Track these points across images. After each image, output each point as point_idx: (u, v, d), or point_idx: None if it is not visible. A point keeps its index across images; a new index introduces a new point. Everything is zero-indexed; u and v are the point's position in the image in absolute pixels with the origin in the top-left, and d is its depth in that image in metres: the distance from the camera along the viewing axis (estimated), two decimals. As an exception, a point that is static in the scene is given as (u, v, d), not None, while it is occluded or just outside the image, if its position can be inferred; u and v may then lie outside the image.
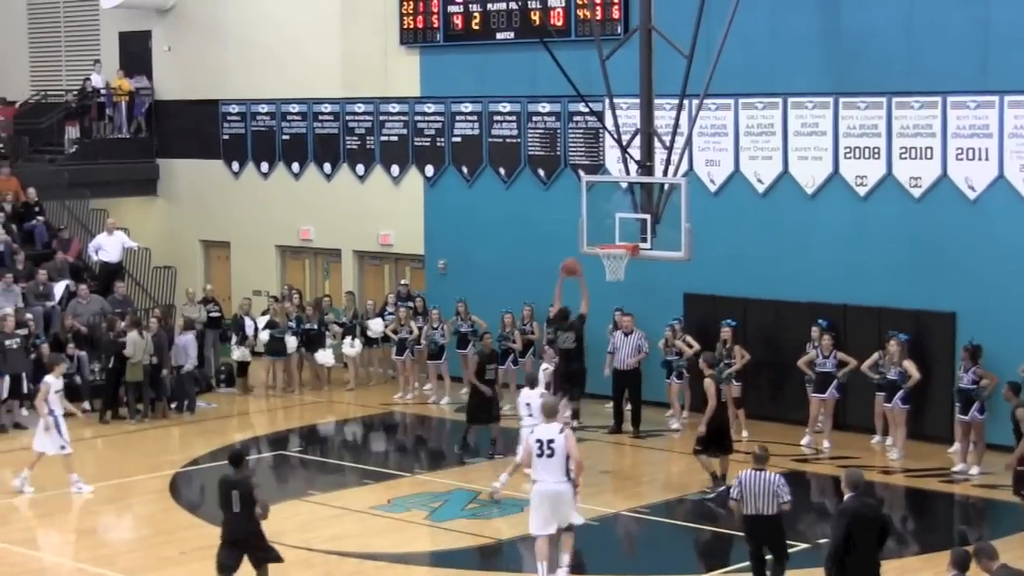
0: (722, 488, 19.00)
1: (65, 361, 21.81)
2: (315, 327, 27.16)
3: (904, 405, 21.31)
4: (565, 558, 15.99)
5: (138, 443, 23.79)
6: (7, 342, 24.32)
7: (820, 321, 22.56)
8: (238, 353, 27.03)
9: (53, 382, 20.49)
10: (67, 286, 27.26)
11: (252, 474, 15.32)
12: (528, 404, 19.04)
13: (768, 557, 15.21)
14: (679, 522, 19.01)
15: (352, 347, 27.13)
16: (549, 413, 16.18)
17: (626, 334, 23.91)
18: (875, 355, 21.75)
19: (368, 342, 27.31)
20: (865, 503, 13.75)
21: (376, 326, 26.97)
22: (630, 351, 23.75)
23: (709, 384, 19.65)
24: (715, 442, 19.68)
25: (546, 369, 21.93)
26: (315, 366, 27.43)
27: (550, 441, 15.66)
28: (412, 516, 18.97)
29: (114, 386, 25.22)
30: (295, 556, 17.26)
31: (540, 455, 15.67)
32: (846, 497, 13.59)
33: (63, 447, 20.21)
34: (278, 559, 15.09)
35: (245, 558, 14.84)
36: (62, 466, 20.25)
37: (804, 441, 22.34)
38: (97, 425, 24.83)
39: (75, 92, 32.76)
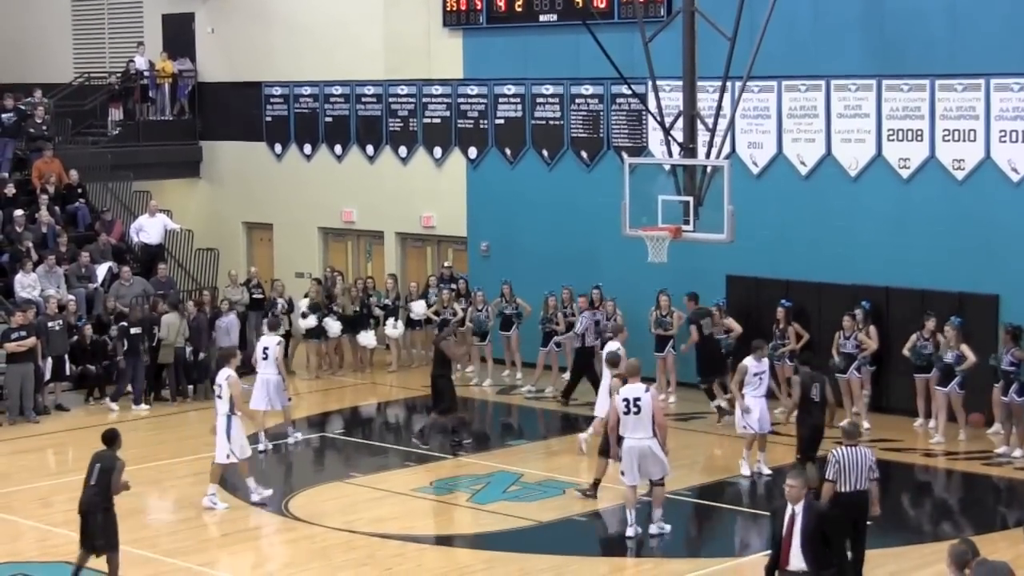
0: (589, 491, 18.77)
1: (237, 355, 19.98)
2: (357, 309, 27.20)
3: (960, 390, 21.14)
4: (658, 512, 17.08)
5: (179, 425, 23.91)
6: (50, 324, 24.49)
7: (863, 303, 22.47)
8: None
9: (233, 375, 18.80)
10: (110, 268, 27.39)
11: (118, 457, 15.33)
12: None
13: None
14: (722, 504, 18.97)
15: (395, 329, 27.18)
16: (632, 372, 17.28)
17: (583, 311, 24.51)
18: (913, 336, 21.59)
19: (410, 324, 27.34)
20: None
21: (418, 308, 27.00)
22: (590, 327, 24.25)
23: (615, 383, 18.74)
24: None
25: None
26: (358, 348, 27.49)
27: (636, 399, 16.67)
28: (454, 498, 19.02)
29: (153, 368, 25.36)
30: (337, 538, 17.35)
31: (627, 412, 16.72)
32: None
33: (228, 455, 18.63)
34: (109, 550, 15.15)
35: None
36: (219, 474, 18.92)
37: (843, 423, 22.19)
38: (137, 406, 24.94)
39: (118, 74, 32.88)
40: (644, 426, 16.75)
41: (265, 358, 21.70)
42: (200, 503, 18.72)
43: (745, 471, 19.85)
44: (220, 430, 18.56)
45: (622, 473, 17.03)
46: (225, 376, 18.68)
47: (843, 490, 14.51)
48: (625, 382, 17.37)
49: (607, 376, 19.69)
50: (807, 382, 18.56)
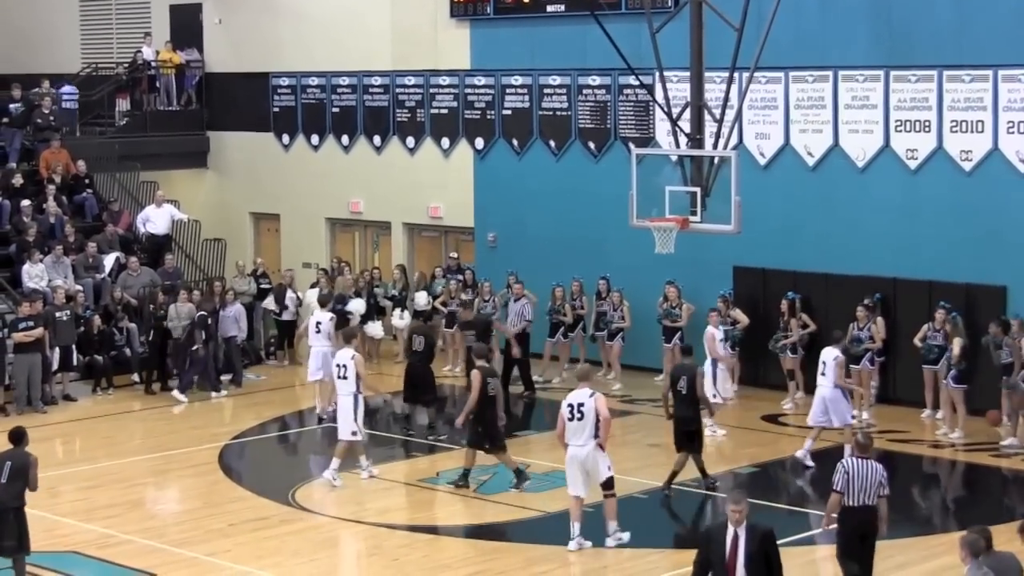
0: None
1: (359, 334, 20.83)
2: (365, 300, 27.20)
3: (957, 385, 21.08)
4: (612, 524, 16.48)
5: (187, 415, 23.95)
6: (57, 314, 24.52)
7: (876, 296, 22.46)
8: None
9: (357, 355, 19.57)
10: (117, 258, 27.41)
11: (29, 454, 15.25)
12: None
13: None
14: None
15: (401, 319, 27.17)
16: (582, 377, 16.77)
17: (515, 300, 24.69)
18: (924, 327, 21.58)
19: (416, 315, 27.34)
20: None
21: (420, 299, 26.98)
22: (517, 317, 24.62)
23: (476, 375, 18.75)
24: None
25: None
26: (365, 339, 27.47)
27: (580, 405, 16.18)
28: (461, 489, 19.00)
29: (159, 358, 25.38)
30: (346, 528, 17.38)
31: (571, 419, 16.18)
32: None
33: (355, 432, 19.22)
34: (19, 552, 15.02)
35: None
36: (346, 451, 19.29)
37: (857, 435, 22.16)
38: (145, 397, 25.01)
39: (126, 65, 32.90)
40: (586, 432, 16.16)
41: (318, 332, 22.75)
42: (205, 493, 18.78)
43: (808, 461, 19.86)
44: (346, 409, 19.06)
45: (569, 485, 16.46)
46: (350, 356, 19.24)
47: (850, 504, 13.95)
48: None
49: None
50: (676, 374, 18.63)
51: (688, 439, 18.53)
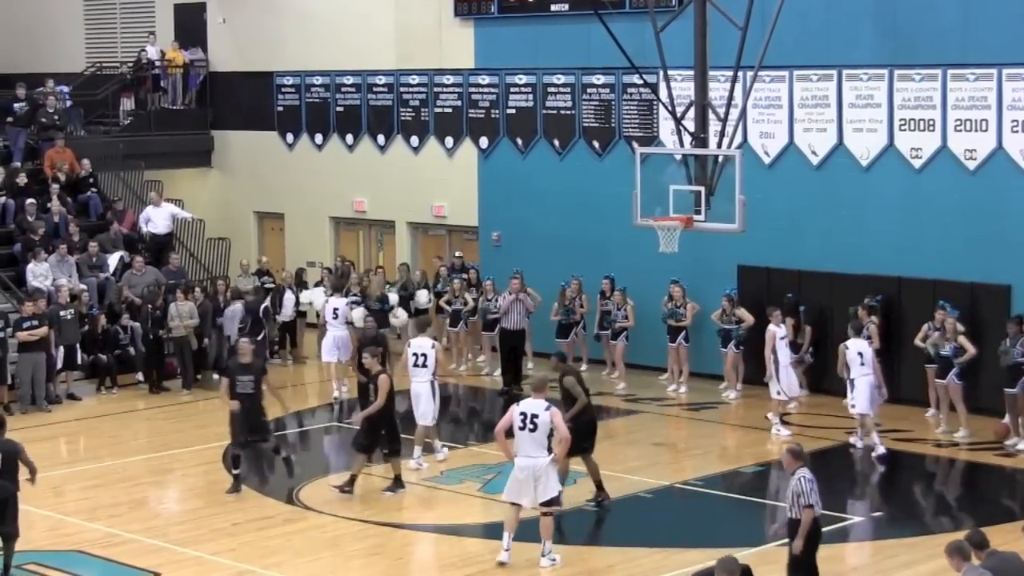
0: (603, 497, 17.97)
1: (431, 324, 21.51)
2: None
3: (959, 381, 21.06)
4: (548, 544, 15.89)
5: (190, 414, 23.96)
6: (62, 313, 24.53)
7: (878, 297, 22.49)
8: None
9: (438, 344, 20.44)
10: (121, 257, 27.42)
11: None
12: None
13: None
14: (733, 495, 18.96)
15: (395, 318, 27.00)
16: (538, 387, 16.14)
17: (515, 297, 24.69)
18: (924, 327, 21.51)
19: (417, 312, 27.24)
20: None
21: (421, 298, 26.92)
22: (520, 313, 24.69)
23: (384, 380, 18.45)
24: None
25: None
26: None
27: (534, 415, 15.63)
28: (465, 488, 19.00)
29: (158, 356, 25.44)
30: (349, 527, 17.37)
31: (523, 428, 15.64)
32: None
33: (434, 417, 19.96)
34: (14, 538, 15.34)
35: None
36: (424, 436, 19.98)
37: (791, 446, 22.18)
38: (149, 396, 25.02)
39: (130, 64, 32.90)
40: (539, 444, 15.61)
41: (335, 317, 24.43)
42: (218, 493, 18.82)
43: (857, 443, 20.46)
44: (426, 395, 19.62)
45: (505, 490, 16.01)
46: (429, 344, 19.86)
47: (819, 512, 13.76)
48: None
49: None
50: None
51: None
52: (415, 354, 19.81)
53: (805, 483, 13.57)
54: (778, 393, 21.36)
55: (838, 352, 20.68)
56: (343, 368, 24.22)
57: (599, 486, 17.87)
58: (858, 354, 20.25)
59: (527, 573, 15.78)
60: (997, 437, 20.72)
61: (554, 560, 15.85)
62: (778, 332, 21.56)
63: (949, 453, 20.54)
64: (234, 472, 18.89)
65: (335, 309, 24.60)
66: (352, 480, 18.52)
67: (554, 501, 15.84)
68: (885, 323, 22.51)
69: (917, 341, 21.62)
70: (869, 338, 21.12)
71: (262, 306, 25.81)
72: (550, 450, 15.75)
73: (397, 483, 18.70)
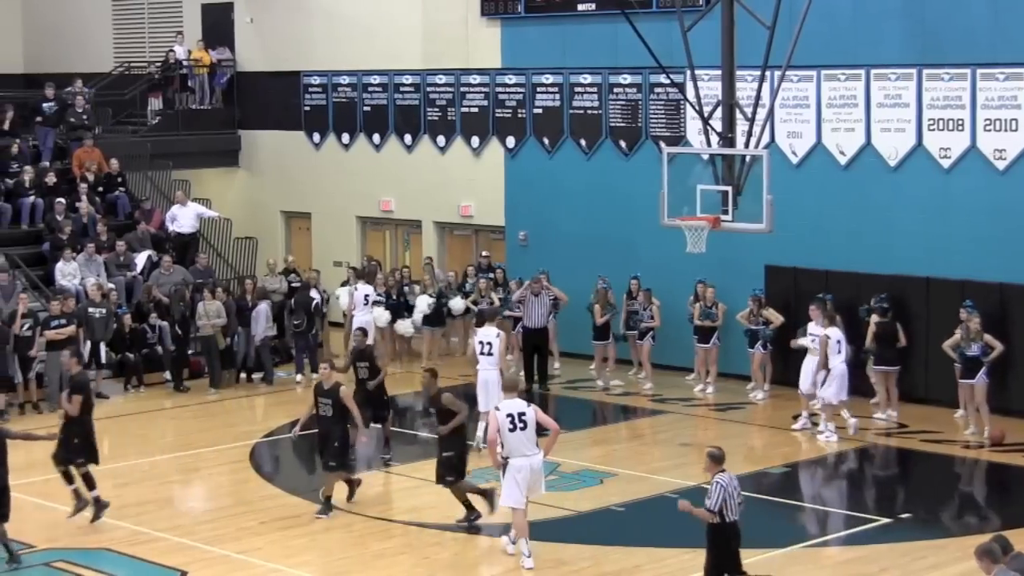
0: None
1: (497, 316, 22.01)
2: (395, 298, 27.22)
3: (987, 379, 20.91)
4: (516, 532, 16.01)
5: (217, 413, 24.01)
6: (91, 310, 24.62)
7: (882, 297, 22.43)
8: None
9: (503, 333, 20.94)
10: (149, 256, 27.50)
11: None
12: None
13: None
14: (759, 495, 18.88)
15: (404, 321, 27.00)
16: (510, 387, 16.29)
17: (535, 295, 24.60)
18: (957, 333, 21.20)
19: (449, 314, 27.25)
20: None
21: (457, 304, 26.88)
22: (543, 312, 24.68)
23: (346, 391, 18.02)
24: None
25: None
26: (395, 337, 27.50)
27: (521, 415, 15.67)
28: (491, 487, 18.95)
29: (184, 355, 25.54)
30: (375, 526, 17.38)
31: (513, 429, 15.62)
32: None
33: (498, 408, 20.50)
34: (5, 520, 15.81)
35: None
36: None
37: (877, 414, 22.16)
38: (175, 395, 25.08)
39: (158, 64, 33.00)
40: (532, 441, 15.70)
41: (365, 304, 25.87)
42: (245, 492, 18.86)
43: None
44: (495, 382, 19.68)
45: (511, 498, 15.81)
46: (495, 333, 20.32)
47: (733, 519, 13.74)
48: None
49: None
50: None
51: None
52: (481, 343, 20.30)
53: (715, 486, 13.58)
54: (822, 400, 21.38)
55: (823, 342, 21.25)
56: None
57: (469, 506, 17.41)
58: (837, 342, 20.90)
59: (552, 573, 15.75)
60: (992, 442, 20.56)
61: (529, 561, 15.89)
62: (834, 334, 21.41)
63: (976, 454, 20.42)
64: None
65: (365, 295, 25.93)
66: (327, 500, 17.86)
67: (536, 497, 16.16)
68: (903, 323, 22.30)
69: (947, 348, 21.27)
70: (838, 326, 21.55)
71: (313, 303, 26.14)
72: (537, 445, 15.85)
73: (327, 504, 17.86)
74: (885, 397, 22.09)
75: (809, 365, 21.57)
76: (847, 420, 21.31)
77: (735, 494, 13.63)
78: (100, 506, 17.51)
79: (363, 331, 21.31)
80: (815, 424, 21.51)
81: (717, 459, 13.75)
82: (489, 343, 20.31)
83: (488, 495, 17.18)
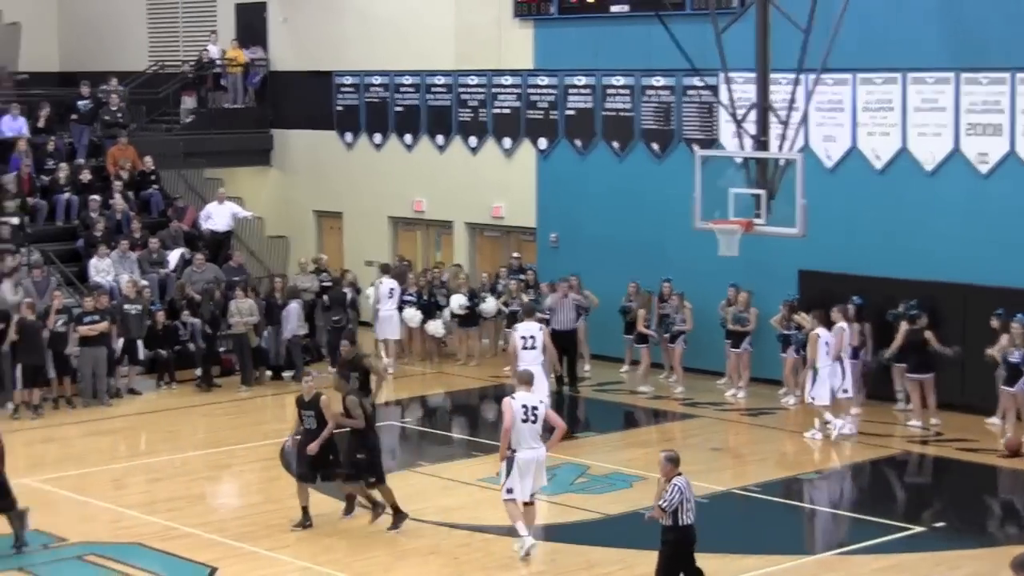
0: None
1: (536, 311, 22.37)
2: (426, 298, 27.23)
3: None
4: (531, 533, 16.23)
5: (248, 410, 24.04)
6: (125, 307, 24.70)
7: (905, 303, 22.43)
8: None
9: (824, 334, 21.31)
10: (182, 254, 27.56)
11: None
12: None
13: None
14: (791, 502, 18.82)
15: (435, 322, 27.08)
16: (525, 381, 16.43)
17: (563, 296, 24.52)
18: (1003, 339, 20.92)
19: (463, 318, 27.23)
20: None
21: (489, 306, 26.84)
22: (570, 314, 24.53)
23: (326, 400, 17.50)
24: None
25: None
26: (425, 337, 27.49)
27: (534, 408, 16.01)
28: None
29: (213, 353, 25.62)
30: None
31: (525, 420, 15.94)
32: None
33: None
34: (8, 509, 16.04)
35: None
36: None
37: (911, 422, 22.03)
38: (207, 392, 25.11)
39: (192, 63, 33.08)
40: (539, 436, 16.08)
41: (391, 297, 26.53)
42: (275, 489, 18.88)
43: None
44: (539, 376, 19.51)
45: (509, 490, 16.03)
46: (538, 327, 20.93)
47: (688, 522, 13.89)
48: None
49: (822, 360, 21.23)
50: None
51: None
52: (523, 337, 20.59)
53: (673, 487, 13.77)
54: (812, 399, 21.43)
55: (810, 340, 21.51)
56: (396, 346, 26.47)
57: (396, 508, 17.25)
58: (825, 343, 21.14)
59: (578, 571, 15.71)
60: (1009, 451, 20.39)
61: (532, 550, 16.11)
62: (822, 335, 21.44)
63: (1013, 464, 20.25)
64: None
65: (391, 289, 26.51)
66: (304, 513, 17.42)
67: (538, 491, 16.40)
68: (938, 329, 22.16)
69: (994, 353, 21.07)
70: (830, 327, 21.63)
71: (348, 297, 26.61)
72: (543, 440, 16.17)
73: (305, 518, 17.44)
74: (919, 405, 21.95)
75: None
76: (833, 422, 21.35)
77: (691, 498, 13.88)
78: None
79: (351, 340, 20.34)
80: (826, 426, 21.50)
81: (674, 462, 14.00)
82: (532, 336, 20.69)
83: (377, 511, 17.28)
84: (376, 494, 17.34)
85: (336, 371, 19.76)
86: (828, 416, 21.34)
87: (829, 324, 21.65)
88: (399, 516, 17.22)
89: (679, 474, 13.89)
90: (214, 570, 15.90)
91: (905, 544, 16.74)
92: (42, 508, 17.94)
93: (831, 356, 21.42)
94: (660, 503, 13.82)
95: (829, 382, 21.27)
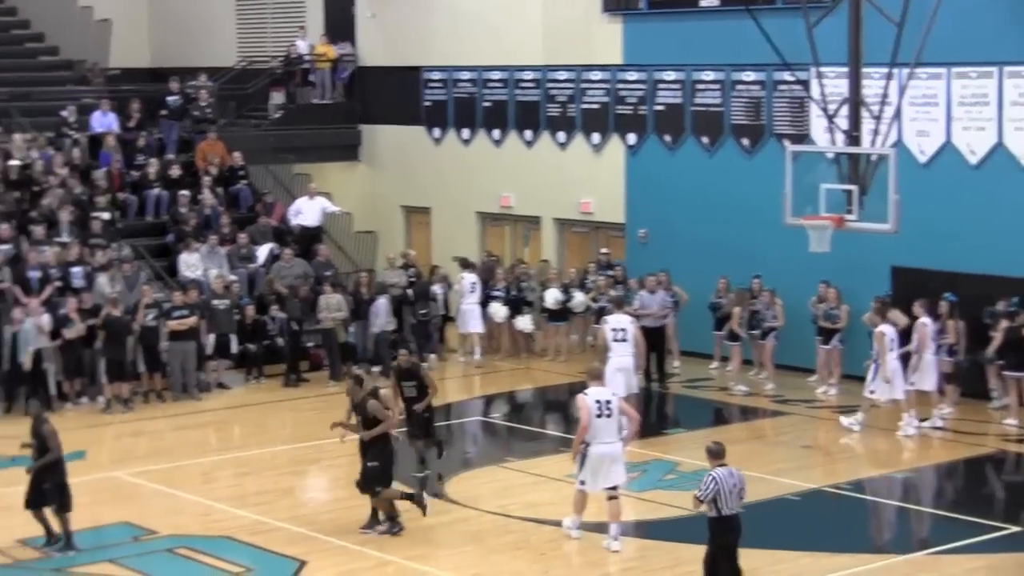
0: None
1: (622, 304, 22.73)
2: (515, 294, 27.19)
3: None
4: (615, 528, 16.31)
5: (336, 405, 24.02)
6: (214, 302, 24.87)
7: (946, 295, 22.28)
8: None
9: (889, 330, 21.22)
10: (271, 249, 27.70)
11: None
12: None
13: None
14: (882, 500, 18.59)
15: (498, 313, 27.13)
16: (597, 376, 16.72)
17: (651, 292, 24.58)
18: None
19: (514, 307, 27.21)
20: None
21: (551, 296, 26.71)
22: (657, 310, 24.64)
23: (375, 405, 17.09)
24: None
25: None
26: (514, 331, 27.46)
27: (607, 402, 16.19)
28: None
29: (299, 348, 25.75)
30: (492, 521, 17.35)
31: (599, 416, 16.10)
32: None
33: (634, 387, 21.58)
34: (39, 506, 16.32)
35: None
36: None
37: (1007, 420, 21.71)
38: (294, 387, 25.20)
39: (280, 58, 33.26)
40: (614, 429, 16.24)
41: (472, 291, 26.77)
42: (354, 483, 18.90)
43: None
44: (630, 368, 20.96)
45: (582, 482, 16.27)
46: (629, 320, 21.47)
47: (728, 512, 13.91)
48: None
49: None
50: None
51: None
52: (614, 329, 21.01)
53: (708, 478, 13.92)
54: (871, 392, 21.22)
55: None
56: (481, 338, 26.79)
57: (392, 517, 17.06)
58: (891, 340, 20.93)
59: (669, 573, 15.60)
60: None
61: (617, 549, 16.18)
62: (887, 332, 21.20)
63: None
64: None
65: (472, 283, 26.71)
66: (377, 515, 17.16)
67: (620, 485, 16.41)
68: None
69: None
70: (895, 323, 21.42)
71: (438, 292, 27.02)
72: (620, 434, 16.34)
73: (377, 520, 17.17)
74: (1016, 403, 21.61)
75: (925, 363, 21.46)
76: (859, 418, 21.41)
77: (735, 489, 13.89)
78: None
79: (408, 350, 20.27)
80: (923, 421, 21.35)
81: (715, 454, 14.13)
82: (623, 329, 21.08)
83: (417, 500, 17.13)
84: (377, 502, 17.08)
85: (392, 379, 19.29)
86: (861, 414, 21.34)
87: (895, 319, 21.42)
88: (393, 524, 16.94)
89: (722, 465, 14.01)
90: (303, 564, 15.96)
91: (999, 544, 16.48)
92: (132, 501, 18.15)
93: (920, 349, 21.18)
94: (696, 493, 13.98)
95: (899, 378, 21.08)
